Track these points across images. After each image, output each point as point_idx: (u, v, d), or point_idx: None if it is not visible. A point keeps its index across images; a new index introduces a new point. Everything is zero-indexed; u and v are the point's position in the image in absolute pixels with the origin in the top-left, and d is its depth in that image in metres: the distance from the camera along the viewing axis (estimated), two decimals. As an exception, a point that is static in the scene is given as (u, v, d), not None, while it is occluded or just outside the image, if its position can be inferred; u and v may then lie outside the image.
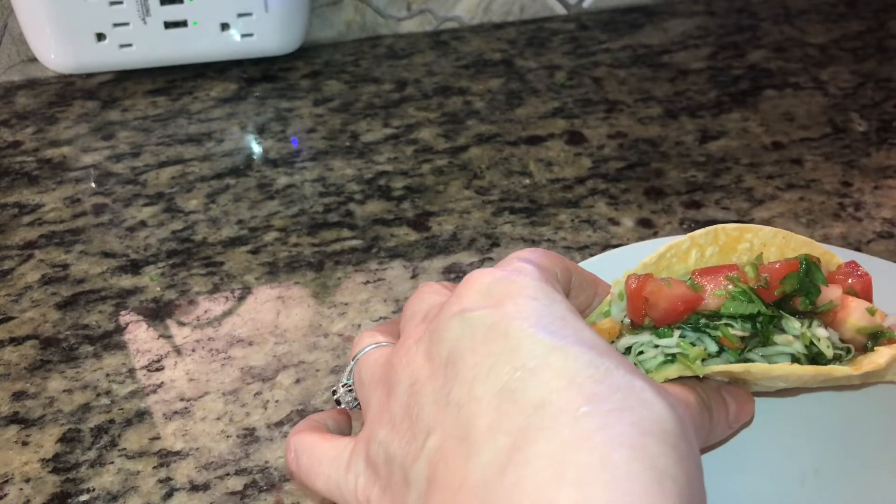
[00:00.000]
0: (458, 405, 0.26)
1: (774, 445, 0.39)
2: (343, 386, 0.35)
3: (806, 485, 0.37)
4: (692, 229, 0.58)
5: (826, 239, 0.57)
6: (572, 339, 0.27)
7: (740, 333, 0.33)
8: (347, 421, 0.36)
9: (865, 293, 0.36)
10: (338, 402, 0.35)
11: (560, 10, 0.92)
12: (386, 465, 0.28)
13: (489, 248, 0.57)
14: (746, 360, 0.34)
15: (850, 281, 0.36)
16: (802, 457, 0.38)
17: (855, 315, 0.35)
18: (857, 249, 0.56)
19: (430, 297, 0.33)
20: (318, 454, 0.32)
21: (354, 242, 0.58)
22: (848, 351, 0.35)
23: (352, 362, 0.34)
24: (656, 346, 0.34)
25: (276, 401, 0.46)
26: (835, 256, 0.39)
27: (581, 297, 0.36)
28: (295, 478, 0.33)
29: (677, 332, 0.34)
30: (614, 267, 0.39)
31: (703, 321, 0.34)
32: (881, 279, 0.38)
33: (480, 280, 0.30)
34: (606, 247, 0.57)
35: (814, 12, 0.92)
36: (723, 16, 0.92)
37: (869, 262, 0.43)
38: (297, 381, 0.47)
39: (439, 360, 0.28)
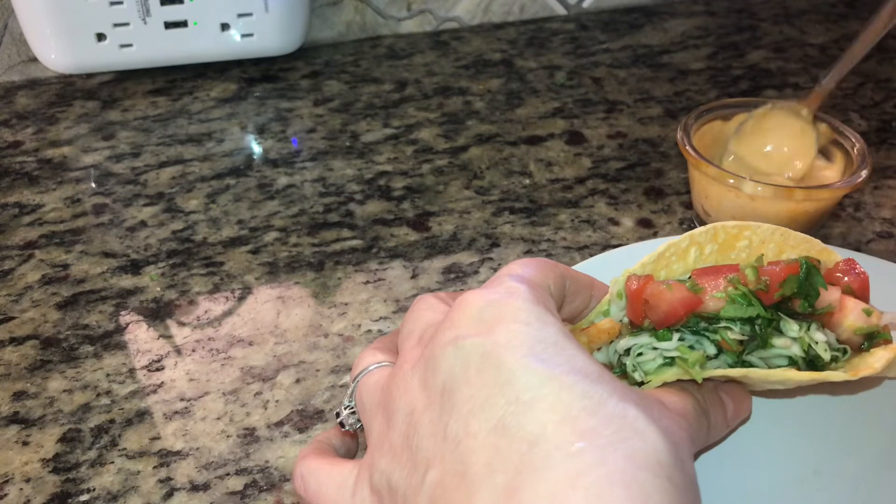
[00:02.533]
0: (455, 440, 0.26)
1: (774, 446, 0.39)
2: (346, 408, 0.35)
3: (805, 485, 0.37)
4: (692, 229, 0.58)
5: (826, 239, 0.57)
6: (565, 368, 0.27)
7: (739, 337, 0.33)
8: (354, 440, 0.37)
9: (862, 291, 0.36)
10: (342, 425, 0.35)
11: (560, 10, 0.92)
12: (389, 494, 0.29)
13: (489, 248, 0.57)
14: (744, 363, 0.34)
15: (846, 279, 0.36)
16: (802, 457, 0.38)
17: (852, 316, 0.35)
18: (857, 249, 0.56)
19: (426, 314, 0.33)
20: (324, 479, 0.32)
21: (354, 242, 0.58)
22: (844, 352, 0.35)
23: (352, 384, 0.34)
24: (655, 349, 0.34)
25: (277, 401, 0.46)
26: (833, 253, 0.39)
27: (577, 301, 0.36)
28: (302, 503, 0.33)
29: (676, 335, 0.34)
30: (614, 267, 0.39)
31: (702, 325, 0.34)
32: (881, 280, 0.38)
33: (473, 304, 0.30)
34: (606, 247, 0.57)
35: (814, 12, 0.92)
36: (723, 16, 0.92)
37: (868, 263, 0.43)
38: (297, 381, 0.47)
39: (435, 390, 0.28)
